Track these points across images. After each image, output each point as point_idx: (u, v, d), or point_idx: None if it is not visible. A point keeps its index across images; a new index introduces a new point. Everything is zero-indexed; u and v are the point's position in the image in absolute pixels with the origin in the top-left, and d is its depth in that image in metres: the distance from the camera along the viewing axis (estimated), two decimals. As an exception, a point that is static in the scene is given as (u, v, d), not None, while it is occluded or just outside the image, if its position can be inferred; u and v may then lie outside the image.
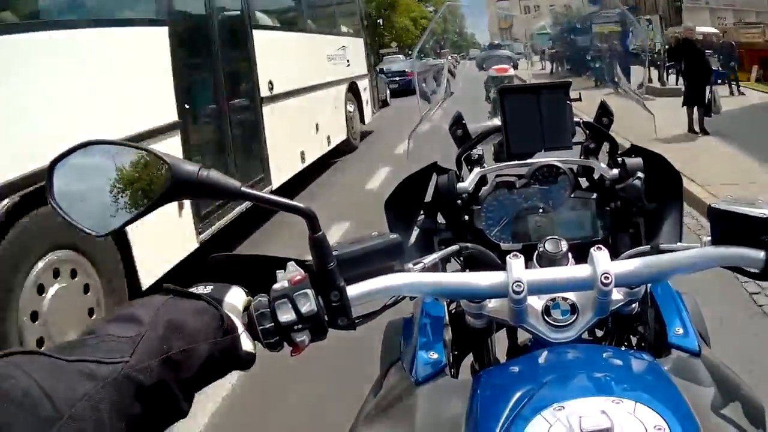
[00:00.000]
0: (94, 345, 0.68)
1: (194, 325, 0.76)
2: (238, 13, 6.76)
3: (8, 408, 0.57)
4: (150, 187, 0.80)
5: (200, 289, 0.84)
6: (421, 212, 1.42)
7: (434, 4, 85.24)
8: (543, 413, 0.72)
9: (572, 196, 1.39)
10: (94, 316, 3.56)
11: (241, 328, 0.83)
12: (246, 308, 0.86)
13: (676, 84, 14.45)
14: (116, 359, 0.67)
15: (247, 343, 0.83)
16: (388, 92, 21.28)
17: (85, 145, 0.82)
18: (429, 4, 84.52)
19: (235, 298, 0.86)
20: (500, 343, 1.25)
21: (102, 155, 0.83)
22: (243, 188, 0.81)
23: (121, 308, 0.77)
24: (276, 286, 0.85)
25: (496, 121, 1.45)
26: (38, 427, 0.58)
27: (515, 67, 5.24)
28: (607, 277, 0.89)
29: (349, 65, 11.43)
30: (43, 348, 0.70)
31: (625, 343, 1.22)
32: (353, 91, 11.77)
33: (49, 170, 0.81)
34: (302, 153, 8.26)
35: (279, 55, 7.67)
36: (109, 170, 0.82)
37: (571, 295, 0.98)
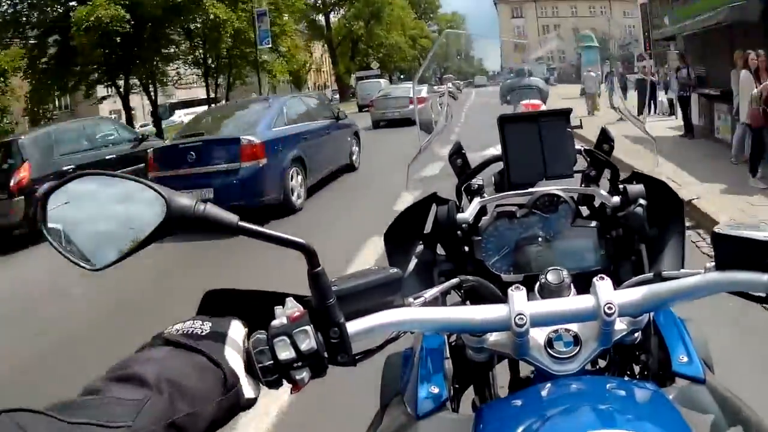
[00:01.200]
0: (98, 407, 0.66)
1: (197, 386, 0.74)
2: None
3: None
4: (145, 220, 0.79)
5: (198, 327, 0.82)
6: (421, 243, 1.41)
7: (437, 22, 76.88)
8: None
9: (573, 225, 1.38)
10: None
11: (242, 374, 0.81)
12: (244, 344, 0.84)
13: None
14: (119, 423, 0.65)
15: (248, 389, 0.81)
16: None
17: (80, 176, 0.82)
18: (432, 23, 76.12)
19: (237, 333, 0.84)
20: (502, 375, 1.23)
21: (97, 186, 0.83)
22: (240, 223, 0.80)
23: (122, 365, 0.74)
24: (275, 322, 0.83)
25: (495, 151, 1.44)
26: None
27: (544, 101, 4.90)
28: (611, 308, 0.88)
29: None
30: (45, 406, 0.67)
31: (629, 372, 1.20)
32: None
33: (43, 199, 0.80)
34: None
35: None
36: (104, 202, 0.81)
37: (574, 326, 0.97)
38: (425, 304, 0.99)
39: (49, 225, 0.80)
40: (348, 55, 58.50)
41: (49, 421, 0.62)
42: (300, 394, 0.86)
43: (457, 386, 1.20)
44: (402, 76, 61.49)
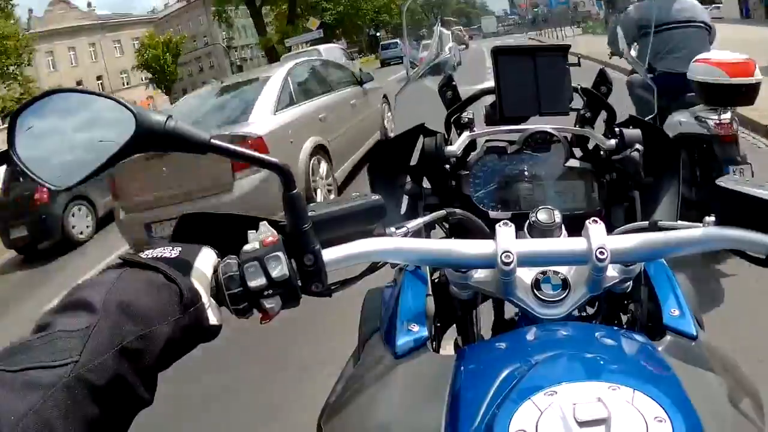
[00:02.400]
0: (42, 346, 0.63)
1: (150, 305, 0.71)
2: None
3: None
4: (114, 137, 0.76)
5: (167, 252, 0.79)
6: (407, 176, 1.38)
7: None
8: (533, 398, 0.67)
9: (566, 165, 1.35)
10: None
11: (205, 297, 0.77)
12: (215, 271, 0.81)
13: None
14: (65, 360, 0.62)
15: (212, 314, 0.78)
16: None
17: (49, 94, 0.79)
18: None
19: (205, 260, 0.81)
20: (486, 316, 1.21)
21: (66, 104, 0.80)
22: (212, 141, 0.77)
23: (73, 291, 0.71)
24: (246, 247, 0.81)
25: (488, 84, 1.40)
26: None
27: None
28: (603, 252, 0.86)
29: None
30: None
31: (616, 322, 1.19)
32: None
33: (12, 121, 0.78)
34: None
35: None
36: (73, 119, 0.79)
37: (563, 270, 0.95)
38: (407, 235, 0.96)
39: (17, 145, 0.77)
40: (286, 15, 39.56)
41: None
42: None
43: (438, 325, 1.18)
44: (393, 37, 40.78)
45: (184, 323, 0.74)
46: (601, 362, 0.77)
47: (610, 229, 1.00)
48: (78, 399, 0.61)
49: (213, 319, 0.78)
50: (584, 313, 1.14)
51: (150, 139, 0.75)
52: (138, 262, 0.75)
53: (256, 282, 0.78)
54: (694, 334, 0.95)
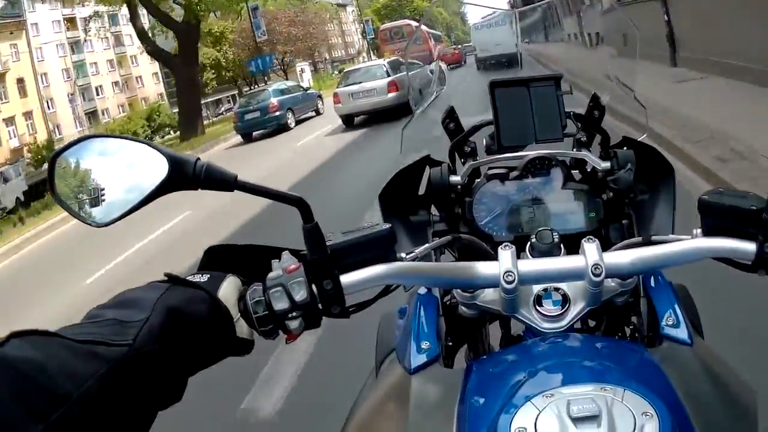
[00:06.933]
0: (102, 327, 0.72)
1: (192, 314, 0.79)
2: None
3: (27, 387, 0.61)
4: (148, 178, 0.82)
5: (197, 278, 0.86)
6: (415, 204, 1.43)
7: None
8: (533, 400, 0.73)
9: (564, 187, 1.40)
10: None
11: (236, 316, 0.85)
12: (242, 297, 0.88)
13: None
14: (122, 341, 0.70)
15: (243, 330, 0.86)
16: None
17: (85, 139, 0.85)
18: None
19: (231, 287, 0.88)
20: (495, 333, 1.26)
21: (102, 148, 0.86)
22: (238, 179, 0.83)
23: (122, 294, 0.80)
24: (271, 274, 0.87)
25: (488, 115, 1.46)
26: (54, 404, 0.62)
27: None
28: (598, 268, 0.91)
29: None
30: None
31: (619, 334, 1.23)
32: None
33: (51, 163, 0.85)
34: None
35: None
36: (108, 162, 0.85)
37: (563, 286, 1.00)
38: (417, 260, 1.02)
39: (57, 185, 0.84)
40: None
41: (58, 341, 0.67)
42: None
43: (450, 344, 1.23)
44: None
45: (219, 335, 0.82)
46: (595, 367, 0.83)
47: (609, 246, 1.05)
48: (129, 377, 0.70)
49: (244, 334, 0.86)
50: (587, 326, 1.19)
51: (182, 179, 0.81)
52: (182, 280, 0.83)
53: (281, 305, 0.85)
54: (689, 340, 0.99)
